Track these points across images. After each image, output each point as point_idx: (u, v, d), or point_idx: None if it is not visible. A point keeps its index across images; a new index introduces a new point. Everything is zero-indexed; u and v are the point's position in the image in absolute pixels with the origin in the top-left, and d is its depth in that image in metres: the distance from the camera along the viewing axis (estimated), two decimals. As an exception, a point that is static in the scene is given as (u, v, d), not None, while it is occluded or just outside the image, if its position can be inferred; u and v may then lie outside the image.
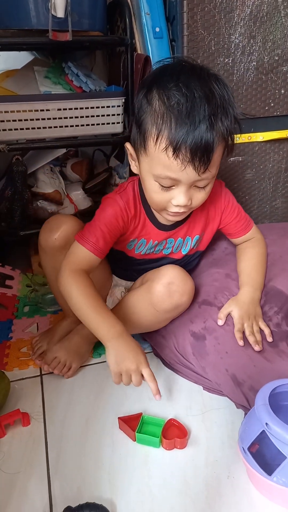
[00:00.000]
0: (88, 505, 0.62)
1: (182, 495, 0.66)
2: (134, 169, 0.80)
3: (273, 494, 0.63)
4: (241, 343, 0.81)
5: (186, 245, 0.92)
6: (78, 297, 0.79)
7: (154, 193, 0.75)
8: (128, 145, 0.78)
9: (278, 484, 0.60)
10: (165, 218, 0.85)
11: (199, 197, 0.76)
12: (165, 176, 0.70)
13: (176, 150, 0.66)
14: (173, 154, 0.67)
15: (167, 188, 0.73)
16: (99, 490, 0.67)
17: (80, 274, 0.81)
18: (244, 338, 0.82)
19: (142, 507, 0.64)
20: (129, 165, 1.30)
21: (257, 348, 0.80)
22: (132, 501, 0.65)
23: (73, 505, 0.62)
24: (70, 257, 0.83)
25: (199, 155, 0.67)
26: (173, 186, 0.72)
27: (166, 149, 0.67)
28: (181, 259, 0.94)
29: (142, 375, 0.75)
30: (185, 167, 0.68)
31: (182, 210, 0.75)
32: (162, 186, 0.73)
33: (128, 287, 1.01)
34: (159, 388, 0.75)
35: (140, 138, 0.71)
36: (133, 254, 0.92)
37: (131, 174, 1.33)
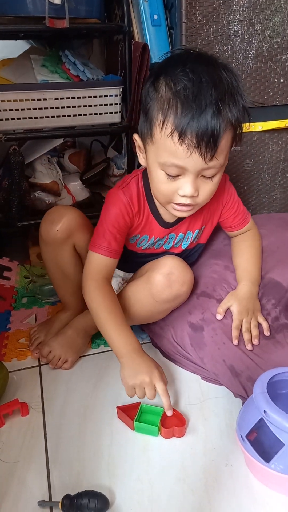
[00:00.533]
0: (87, 493, 0.62)
1: (181, 483, 0.66)
2: (142, 161, 0.78)
3: (271, 481, 0.64)
4: (235, 342, 0.82)
5: (187, 239, 0.91)
6: (98, 309, 0.81)
7: (161, 183, 0.73)
8: (136, 136, 0.77)
9: (276, 471, 0.61)
10: (170, 214, 0.84)
11: (206, 189, 0.73)
12: (171, 164, 0.69)
13: (181, 135, 0.65)
14: (178, 140, 0.65)
15: (174, 177, 0.71)
16: (98, 478, 0.67)
17: (101, 285, 0.83)
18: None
19: (141, 494, 0.65)
20: (128, 156, 1.31)
21: (249, 347, 0.81)
22: (131, 489, 0.65)
23: (72, 493, 0.63)
24: (89, 267, 0.84)
25: (205, 140, 0.65)
26: (180, 175, 0.71)
27: (171, 134, 0.66)
28: (181, 253, 0.93)
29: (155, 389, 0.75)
30: (191, 153, 0.66)
31: (188, 201, 0.73)
32: (168, 175, 0.71)
33: (126, 278, 1.01)
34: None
35: (147, 126, 0.70)
36: (134, 248, 0.92)
37: (129, 165, 1.32)
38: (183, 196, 0.72)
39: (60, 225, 0.88)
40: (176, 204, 0.75)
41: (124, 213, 0.82)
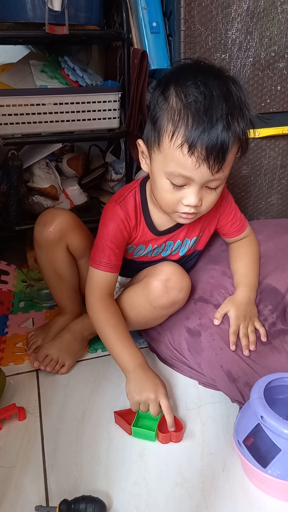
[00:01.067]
0: (84, 498, 0.62)
1: (178, 487, 0.66)
2: (145, 167, 0.79)
3: (267, 486, 0.64)
4: (233, 348, 0.82)
5: (184, 246, 0.92)
6: (102, 325, 0.83)
7: (165, 192, 0.74)
8: (140, 142, 0.77)
9: (273, 476, 0.61)
10: (163, 222, 0.85)
11: (210, 199, 0.75)
12: (178, 174, 0.69)
13: (191, 148, 0.66)
14: (188, 151, 0.66)
15: (179, 187, 0.72)
16: (95, 483, 0.67)
17: (105, 301, 0.84)
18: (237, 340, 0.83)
19: (138, 499, 0.65)
20: (126, 161, 1.31)
21: (246, 352, 0.81)
22: (128, 493, 0.66)
23: (69, 498, 0.63)
24: (91, 284, 0.85)
25: (215, 154, 0.66)
26: (185, 185, 0.72)
27: (181, 146, 0.66)
28: (178, 259, 0.94)
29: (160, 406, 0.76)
30: (199, 166, 0.67)
31: (192, 210, 0.74)
32: (173, 184, 0.72)
33: (123, 283, 1.01)
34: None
35: (155, 134, 0.71)
36: (131, 257, 0.92)
37: (127, 170, 1.33)
38: (187, 205, 0.73)
39: (53, 226, 0.89)
40: (181, 212, 0.76)
41: (122, 228, 0.83)
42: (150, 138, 0.73)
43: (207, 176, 0.69)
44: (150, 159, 0.75)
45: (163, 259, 0.92)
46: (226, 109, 0.65)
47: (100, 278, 0.84)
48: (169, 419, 0.74)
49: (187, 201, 0.72)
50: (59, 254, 0.92)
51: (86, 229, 0.97)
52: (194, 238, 0.91)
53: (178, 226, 0.87)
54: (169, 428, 0.74)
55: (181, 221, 0.79)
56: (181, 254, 0.93)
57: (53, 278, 0.97)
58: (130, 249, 0.90)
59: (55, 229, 0.89)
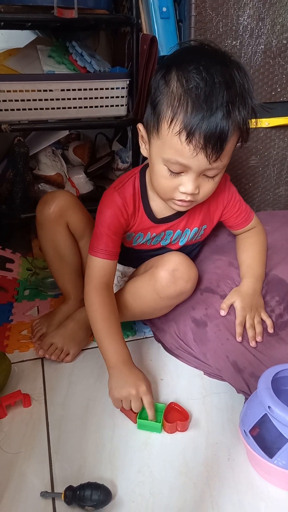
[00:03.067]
0: (89, 485, 0.62)
1: (182, 476, 0.66)
2: (144, 152, 0.78)
3: (272, 476, 0.64)
4: (239, 339, 0.81)
5: (184, 236, 0.91)
6: (94, 316, 0.82)
7: (162, 178, 0.73)
8: (140, 126, 0.76)
9: (278, 466, 0.61)
10: (162, 210, 0.84)
11: (207, 187, 0.74)
12: (175, 161, 0.68)
13: (189, 135, 0.64)
14: (186, 139, 0.65)
15: (176, 174, 0.71)
16: (100, 470, 0.67)
17: (101, 292, 0.83)
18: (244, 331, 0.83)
19: (143, 487, 0.65)
20: (133, 150, 1.30)
21: (253, 344, 0.81)
22: (132, 481, 0.66)
23: (74, 484, 0.63)
24: (89, 272, 0.85)
25: (213, 142, 0.65)
26: (182, 172, 0.71)
27: (179, 133, 0.65)
28: (179, 249, 0.93)
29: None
30: (196, 154, 0.66)
31: (188, 198, 0.73)
32: (171, 171, 0.71)
33: (124, 272, 1.00)
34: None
35: (154, 119, 0.69)
36: (131, 245, 0.92)
37: (134, 158, 1.31)
38: (184, 193, 0.72)
39: (54, 205, 0.91)
40: (177, 200, 0.75)
41: (119, 215, 0.82)
42: (149, 122, 0.72)
43: (205, 164, 0.68)
44: (149, 144, 0.74)
45: (163, 248, 0.92)
46: (227, 96, 0.64)
47: (98, 266, 0.83)
48: (150, 414, 0.74)
49: (184, 188, 0.71)
50: (60, 232, 0.93)
51: (86, 210, 0.98)
52: (195, 229, 0.90)
53: (177, 215, 0.86)
54: (150, 419, 0.74)
55: (178, 208, 0.78)
56: (181, 244, 0.92)
57: (54, 259, 0.97)
58: (129, 237, 0.89)
59: (56, 207, 0.91)
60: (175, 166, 0.70)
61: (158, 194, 0.80)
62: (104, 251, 0.83)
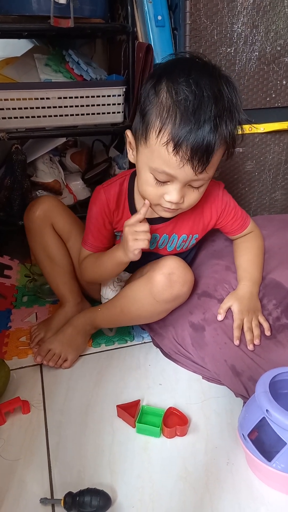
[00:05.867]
0: (89, 491, 0.62)
1: (182, 481, 0.66)
2: (131, 157, 0.79)
3: (271, 480, 0.64)
4: (236, 342, 0.82)
5: (171, 242, 0.91)
6: (91, 266, 0.90)
7: (148, 185, 0.74)
8: (128, 133, 0.77)
9: (277, 469, 0.61)
10: (150, 212, 0.84)
11: (192, 197, 0.76)
12: (162, 171, 0.70)
13: (176, 147, 0.66)
14: (173, 150, 0.66)
15: (162, 182, 0.72)
16: (100, 476, 0.67)
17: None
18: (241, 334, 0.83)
19: (142, 492, 0.65)
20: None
21: (251, 347, 0.81)
22: (132, 486, 0.66)
23: (74, 491, 0.63)
24: (80, 260, 0.93)
25: (199, 155, 0.66)
26: (168, 182, 0.72)
27: (167, 144, 0.66)
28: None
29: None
30: (183, 165, 0.68)
31: (173, 207, 0.75)
32: (157, 180, 0.72)
33: (120, 277, 1.01)
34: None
35: (143, 128, 0.71)
36: None
37: (131, 164, 1.32)
38: (169, 201, 0.74)
39: (38, 210, 0.95)
40: (163, 207, 0.77)
41: (102, 210, 0.87)
42: (138, 130, 0.73)
43: (191, 176, 0.70)
44: (136, 151, 0.76)
45: (153, 254, 0.92)
46: (215, 110, 0.65)
47: (85, 256, 0.91)
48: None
49: (169, 197, 0.73)
50: (47, 234, 0.97)
51: (71, 212, 1.02)
52: (184, 236, 0.91)
53: (163, 219, 0.88)
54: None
55: (163, 214, 0.80)
56: (169, 249, 0.93)
57: (46, 262, 1.00)
58: (117, 236, 0.92)
59: (40, 211, 0.95)
60: (162, 176, 0.71)
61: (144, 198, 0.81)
62: (92, 244, 0.91)
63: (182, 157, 0.67)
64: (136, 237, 0.76)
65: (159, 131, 0.67)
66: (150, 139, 0.69)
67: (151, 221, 0.87)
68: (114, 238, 0.94)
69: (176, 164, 0.68)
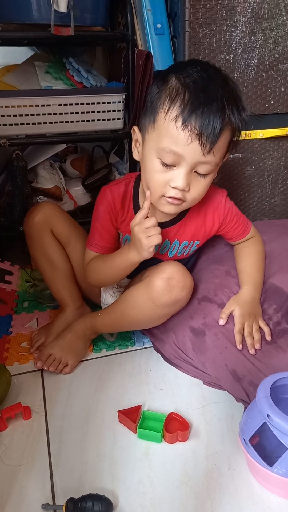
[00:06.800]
0: (90, 496, 0.62)
1: (183, 486, 0.66)
2: (136, 155, 0.80)
3: (273, 485, 0.64)
4: (239, 347, 0.82)
5: (173, 248, 0.92)
6: (99, 268, 0.89)
7: (155, 172, 0.74)
8: (135, 128, 0.79)
9: (279, 474, 0.61)
10: (154, 214, 0.85)
11: (198, 186, 0.75)
12: (169, 150, 0.70)
13: (185, 121, 0.67)
14: (182, 125, 0.67)
15: (168, 167, 0.72)
16: (101, 481, 0.67)
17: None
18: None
19: (144, 497, 0.65)
20: (129, 162, 1.32)
21: (252, 351, 0.81)
22: (133, 492, 0.66)
23: (75, 496, 0.63)
24: (85, 263, 0.93)
25: (208, 130, 0.67)
26: (175, 166, 0.72)
27: (176, 118, 0.68)
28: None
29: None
30: (191, 141, 0.68)
31: (179, 195, 0.74)
32: (163, 164, 0.72)
33: (120, 283, 1.01)
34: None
35: (151, 114, 0.72)
36: None
37: (131, 170, 1.33)
38: (175, 188, 0.73)
39: (38, 215, 0.96)
40: (167, 197, 0.75)
41: (108, 209, 0.87)
42: (145, 121, 0.74)
43: (198, 155, 0.69)
44: (143, 143, 0.76)
45: (152, 258, 0.92)
46: (222, 92, 0.68)
47: (91, 257, 0.90)
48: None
49: (175, 183, 0.72)
50: (47, 239, 0.98)
51: (70, 217, 1.03)
52: (185, 242, 0.91)
53: (166, 225, 0.88)
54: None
55: (167, 209, 0.78)
56: (170, 255, 0.93)
57: (46, 267, 1.00)
58: (120, 236, 0.93)
59: (40, 217, 0.96)
60: (169, 156, 0.71)
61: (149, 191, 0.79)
62: (97, 245, 0.90)
63: (191, 132, 0.67)
64: (148, 234, 0.75)
65: (168, 109, 0.68)
66: (158, 120, 0.71)
67: None
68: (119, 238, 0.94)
69: (184, 140, 0.68)
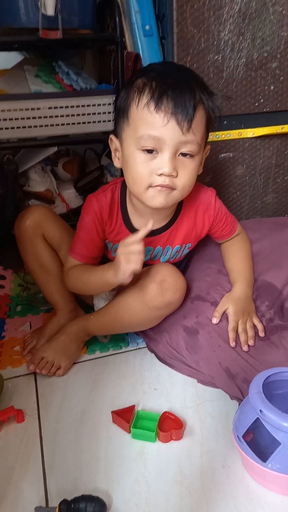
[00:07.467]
0: (84, 497, 0.61)
1: (178, 484, 0.66)
2: (117, 163, 0.79)
3: (267, 481, 0.64)
4: (232, 344, 0.82)
5: (165, 254, 0.91)
6: (77, 278, 0.87)
7: (138, 165, 0.71)
8: (112, 136, 0.78)
9: (273, 470, 0.61)
10: (143, 223, 0.84)
11: (185, 170, 0.72)
12: (148, 136, 0.69)
13: (158, 103, 0.67)
14: (155, 108, 0.67)
15: (151, 154, 0.70)
16: (95, 482, 0.67)
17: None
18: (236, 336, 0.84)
19: (139, 497, 0.64)
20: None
21: (245, 348, 0.81)
22: (128, 491, 0.65)
23: (69, 498, 0.62)
24: (65, 269, 0.91)
25: (182, 106, 0.67)
26: (157, 152, 0.70)
27: (148, 104, 0.68)
28: None
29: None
30: (168, 121, 0.67)
31: (167, 181, 0.71)
32: (145, 151, 0.70)
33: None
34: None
35: (123, 114, 0.73)
36: (111, 258, 0.93)
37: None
38: (161, 175, 0.71)
39: (29, 220, 0.94)
40: (155, 186, 0.72)
41: (95, 219, 0.85)
42: (119, 124, 0.75)
43: (178, 134, 0.68)
44: (121, 147, 0.76)
45: (144, 265, 0.92)
46: (188, 77, 0.70)
47: (73, 265, 0.89)
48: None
49: (161, 169, 0.70)
50: (39, 243, 0.96)
51: (62, 221, 1.00)
52: (177, 246, 0.91)
53: (158, 231, 0.87)
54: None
55: (156, 202, 0.74)
56: (162, 260, 0.93)
57: (39, 271, 0.99)
58: (108, 246, 0.91)
59: (31, 221, 0.94)
60: (149, 142, 0.69)
61: (134, 190, 0.76)
62: (80, 254, 0.88)
63: (165, 112, 0.67)
64: (129, 260, 0.73)
65: (138, 100, 0.69)
66: (131, 114, 0.71)
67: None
68: (104, 249, 0.93)
69: (160, 121, 0.68)
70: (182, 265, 1.01)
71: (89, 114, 1.18)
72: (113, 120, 1.22)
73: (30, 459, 0.72)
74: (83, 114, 1.17)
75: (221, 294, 0.89)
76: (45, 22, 1.01)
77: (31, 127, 1.14)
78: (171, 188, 0.73)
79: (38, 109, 1.12)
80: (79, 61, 1.43)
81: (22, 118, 1.12)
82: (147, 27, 1.13)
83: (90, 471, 0.69)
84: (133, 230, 0.86)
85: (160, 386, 0.87)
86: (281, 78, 1.15)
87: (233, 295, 0.88)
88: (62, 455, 0.72)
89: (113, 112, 1.20)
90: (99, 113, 1.19)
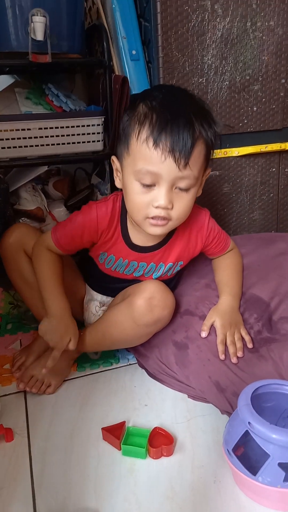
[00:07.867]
0: (73, 516, 0.61)
1: (169, 501, 0.65)
2: (118, 183, 0.81)
3: (259, 495, 0.63)
4: (222, 357, 0.82)
5: (158, 270, 0.92)
6: (43, 270, 0.89)
7: (135, 194, 0.74)
8: (114, 158, 0.80)
9: (264, 484, 0.61)
10: (141, 238, 0.86)
11: (181, 203, 0.74)
12: (146, 171, 0.71)
13: (156, 141, 0.68)
14: (153, 145, 0.69)
15: (148, 187, 0.73)
16: (85, 500, 0.66)
17: (51, 251, 0.90)
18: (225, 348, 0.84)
19: (129, 515, 0.63)
20: (111, 183, 1.34)
21: (234, 360, 0.82)
22: (118, 509, 0.64)
23: (58, 517, 0.62)
24: (43, 237, 0.92)
25: (179, 145, 0.68)
26: (154, 185, 0.72)
27: (146, 140, 0.69)
28: None
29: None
30: (165, 159, 0.69)
31: (162, 213, 0.74)
32: (143, 185, 0.72)
33: (103, 302, 1.01)
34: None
35: (125, 142, 0.74)
36: (104, 269, 0.93)
37: (112, 191, 1.35)
38: (157, 207, 0.73)
39: (12, 237, 0.96)
40: (151, 218, 0.75)
41: (86, 225, 0.85)
42: (121, 149, 0.76)
43: (175, 171, 0.70)
44: (122, 170, 0.78)
45: (136, 280, 0.93)
46: (189, 108, 0.71)
47: (48, 239, 0.89)
48: (49, 362, 0.83)
49: (157, 202, 0.73)
50: (22, 260, 0.96)
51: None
52: (170, 264, 0.92)
53: (153, 248, 0.88)
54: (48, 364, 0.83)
55: (153, 230, 0.77)
56: (154, 277, 0.93)
57: (24, 288, 0.99)
58: (101, 258, 0.92)
59: (14, 239, 0.96)
60: (146, 177, 0.72)
61: (134, 218, 0.80)
62: (57, 240, 0.88)
63: (163, 150, 0.69)
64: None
65: (139, 132, 0.70)
66: (131, 145, 0.72)
67: (141, 249, 0.88)
68: (98, 259, 0.94)
69: (158, 158, 0.69)
70: (173, 281, 1.02)
71: (78, 134, 1.20)
72: (102, 141, 1.25)
73: (19, 478, 0.71)
74: (73, 135, 1.20)
75: (209, 308, 0.90)
76: (34, 47, 1.04)
77: (22, 147, 1.16)
78: (167, 219, 0.76)
79: (28, 129, 1.14)
80: (69, 84, 1.46)
81: (13, 138, 1.14)
82: (133, 52, 1.17)
83: (79, 489, 0.68)
84: (129, 242, 0.88)
85: (151, 402, 0.86)
86: (263, 99, 1.19)
87: (219, 308, 0.88)
88: (51, 474, 0.71)
89: (102, 132, 1.23)
90: (88, 134, 1.21)
